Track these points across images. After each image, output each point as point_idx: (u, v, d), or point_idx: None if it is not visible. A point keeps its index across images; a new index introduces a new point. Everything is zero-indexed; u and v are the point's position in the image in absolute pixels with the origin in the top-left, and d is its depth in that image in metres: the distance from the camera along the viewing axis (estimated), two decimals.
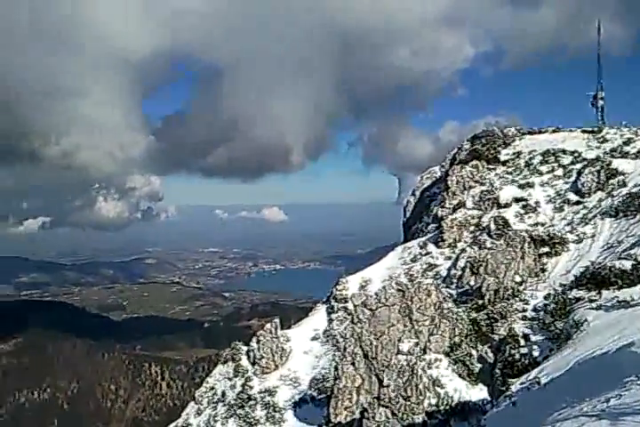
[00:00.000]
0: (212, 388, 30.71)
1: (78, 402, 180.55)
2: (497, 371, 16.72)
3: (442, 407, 17.46)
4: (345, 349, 20.11)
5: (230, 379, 30.45)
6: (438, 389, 18.19)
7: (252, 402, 28.52)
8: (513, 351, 16.74)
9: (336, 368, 20.39)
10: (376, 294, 20.69)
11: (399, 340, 19.34)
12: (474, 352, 19.38)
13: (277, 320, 32.50)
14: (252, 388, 29.36)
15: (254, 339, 31.21)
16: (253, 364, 30.61)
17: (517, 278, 23.61)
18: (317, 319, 33.94)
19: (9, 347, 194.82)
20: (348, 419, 19.19)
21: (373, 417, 17.77)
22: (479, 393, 17.83)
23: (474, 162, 37.03)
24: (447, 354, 19.57)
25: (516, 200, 31.88)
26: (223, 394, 29.91)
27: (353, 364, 19.35)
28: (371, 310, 20.04)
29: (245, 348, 31.46)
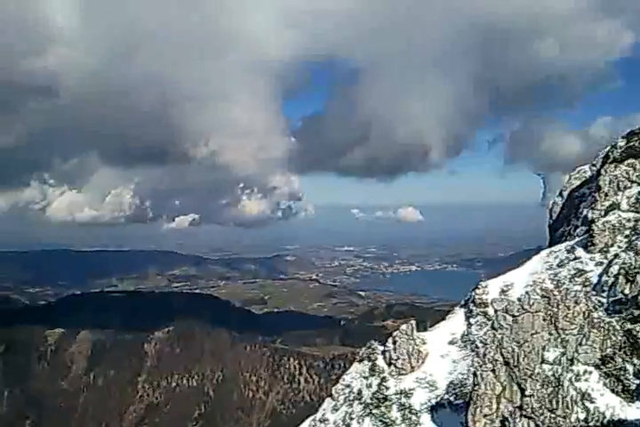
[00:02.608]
0: (349, 385, 31.22)
1: (223, 390, 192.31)
2: None
3: (591, 423, 16.41)
4: (485, 355, 19.54)
5: (366, 378, 30.76)
6: (587, 403, 17.09)
7: (387, 402, 28.61)
8: None
9: (475, 374, 19.87)
10: (519, 299, 19.90)
11: (544, 348, 18.44)
12: (629, 367, 17.94)
13: (413, 322, 32.26)
14: (387, 388, 29.45)
15: (390, 339, 31.26)
16: (389, 364, 30.68)
17: None
18: (455, 323, 33.22)
19: (162, 335, 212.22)
20: None
21: None
22: (636, 412, 16.49)
23: (630, 160, 34.18)
24: (598, 367, 18.31)
25: None
26: (359, 392, 30.29)
27: (493, 371, 18.77)
28: (513, 316, 19.32)
29: (381, 348, 31.62)
